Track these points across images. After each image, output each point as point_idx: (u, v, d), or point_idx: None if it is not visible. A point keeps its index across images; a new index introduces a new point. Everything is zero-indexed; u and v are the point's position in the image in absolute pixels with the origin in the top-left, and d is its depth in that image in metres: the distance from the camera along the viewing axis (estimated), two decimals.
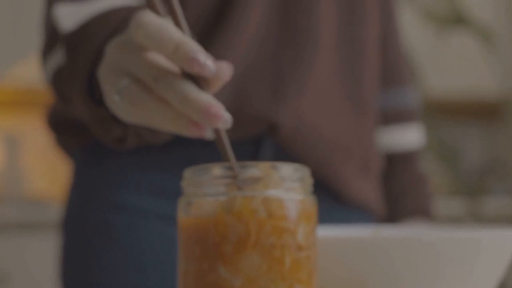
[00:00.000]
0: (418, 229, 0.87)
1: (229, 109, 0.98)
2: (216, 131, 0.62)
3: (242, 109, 0.99)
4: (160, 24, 0.61)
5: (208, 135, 0.62)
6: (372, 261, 0.71)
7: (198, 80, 0.61)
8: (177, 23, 0.62)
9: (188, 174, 0.64)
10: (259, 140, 1.02)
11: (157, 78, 0.61)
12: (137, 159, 1.01)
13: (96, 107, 0.80)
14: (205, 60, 0.59)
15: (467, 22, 2.90)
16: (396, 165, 1.19)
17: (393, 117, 1.18)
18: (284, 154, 1.02)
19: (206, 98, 0.59)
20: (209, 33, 0.99)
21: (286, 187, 0.62)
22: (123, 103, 0.65)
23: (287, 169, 0.63)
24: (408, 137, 1.20)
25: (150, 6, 0.62)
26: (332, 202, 1.07)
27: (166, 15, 0.62)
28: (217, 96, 0.97)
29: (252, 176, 0.61)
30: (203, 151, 1.01)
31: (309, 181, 0.64)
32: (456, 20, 2.78)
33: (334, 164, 1.04)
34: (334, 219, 1.07)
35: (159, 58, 0.63)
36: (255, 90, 0.99)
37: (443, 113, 3.48)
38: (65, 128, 1.05)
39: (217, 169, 0.62)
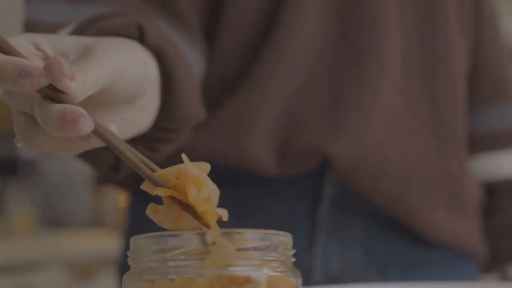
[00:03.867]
0: None
1: (276, 140, 0.84)
2: (99, 134, 0.51)
3: (292, 141, 0.85)
4: None
5: (94, 141, 0.52)
6: None
7: (55, 93, 0.52)
8: None
9: (131, 244, 0.49)
10: (321, 175, 0.86)
11: (32, 109, 0.54)
12: None
13: None
14: (31, 71, 0.50)
15: None
16: (503, 196, 0.99)
17: (497, 139, 0.98)
18: (350, 190, 0.86)
19: (58, 110, 0.50)
20: (254, 50, 0.86)
21: (247, 261, 0.45)
22: (23, 144, 0.58)
23: (250, 236, 0.46)
24: None
25: None
26: (411, 243, 0.90)
27: None
28: (263, 124, 0.84)
29: (196, 248, 0.45)
30: (256, 189, 0.88)
31: (286, 250, 0.47)
32: None
33: (410, 200, 0.87)
34: (416, 263, 0.90)
35: None
36: (306, 117, 0.85)
37: None
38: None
39: (152, 239, 0.46)
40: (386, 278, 0.88)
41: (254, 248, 0.46)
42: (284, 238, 0.47)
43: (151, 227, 0.92)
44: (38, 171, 3.10)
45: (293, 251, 0.48)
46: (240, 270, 0.45)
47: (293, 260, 0.48)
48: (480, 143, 0.98)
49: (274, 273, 0.46)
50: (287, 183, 0.87)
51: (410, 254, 0.90)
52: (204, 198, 0.50)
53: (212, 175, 0.88)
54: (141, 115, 0.63)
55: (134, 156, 0.51)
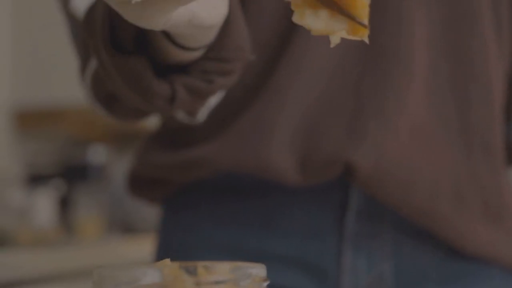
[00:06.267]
0: None
1: (297, 148, 0.82)
2: None
3: (312, 149, 0.82)
4: None
5: None
6: None
7: None
8: None
9: (94, 275, 0.46)
10: (346, 185, 0.84)
11: None
12: (212, 210, 0.89)
13: (126, 59, 0.70)
14: None
15: None
16: None
17: None
18: (377, 201, 0.83)
19: None
20: (273, 58, 0.83)
21: None
22: None
23: (215, 269, 0.42)
24: None
25: None
26: (446, 256, 0.86)
27: None
28: (283, 133, 0.82)
29: (153, 282, 0.42)
30: (280, 200, 0.85)
31: (255, 282, 0.43)
32: None
33: (439, 210, 0.83)
34: (452, 278, 0.86)
35: None
36: (327, 125, 0.82)
37: None
38: (143, 188, 0.95)
39: (112, 271, 0.43)
40: None
41: (217, 283, 0.42)
42: (253, 270, 0.44)
43: (176, 255, 0.91)
44: (107, 175, 3.12)
45: (266, 283, 0.44)
46: None
47: None
48: None
49: None
50: (311, 193, 0.84)
51: (445, 268, 0.86)
52: None
53: (235, 186, 0.86)
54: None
55: None
